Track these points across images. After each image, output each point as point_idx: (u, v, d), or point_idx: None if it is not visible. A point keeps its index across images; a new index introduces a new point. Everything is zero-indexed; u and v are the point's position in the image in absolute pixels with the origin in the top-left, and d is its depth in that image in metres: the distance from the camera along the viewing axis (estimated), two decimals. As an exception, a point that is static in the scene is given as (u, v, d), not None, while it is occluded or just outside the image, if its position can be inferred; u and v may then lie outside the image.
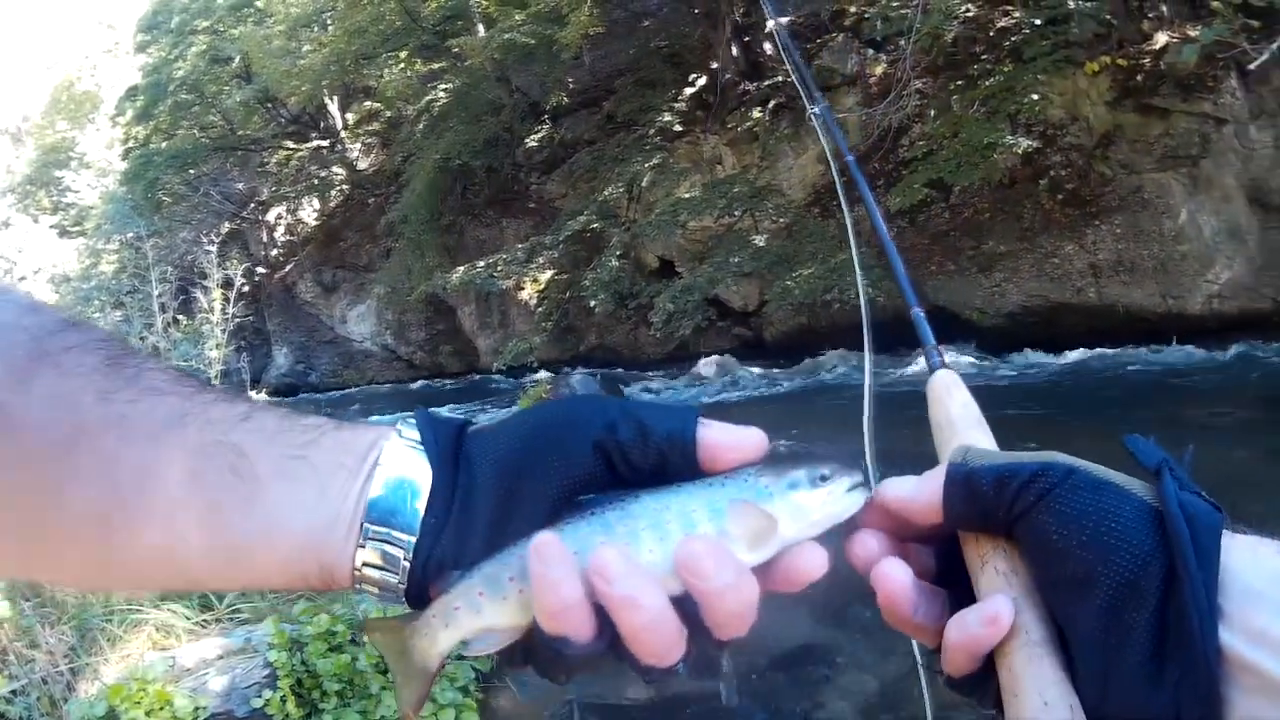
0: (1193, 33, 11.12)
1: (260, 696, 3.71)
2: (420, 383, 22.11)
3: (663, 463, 0.59)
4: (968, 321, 13.33)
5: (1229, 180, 11.68)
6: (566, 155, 19.40)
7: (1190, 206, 11.86)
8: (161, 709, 3.51)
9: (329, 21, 23.12)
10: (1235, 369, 10.45)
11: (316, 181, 25.59)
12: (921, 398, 0.76)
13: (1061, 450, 0.55)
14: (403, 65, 21.64)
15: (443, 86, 19.88)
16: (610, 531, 0.56)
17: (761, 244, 15.11)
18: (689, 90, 17.55)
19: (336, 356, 24.97)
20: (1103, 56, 12.30)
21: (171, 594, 4.24)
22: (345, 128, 25.63)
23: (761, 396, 13.27)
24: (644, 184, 16.94)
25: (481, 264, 18.17)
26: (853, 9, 15.52)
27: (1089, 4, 11.96)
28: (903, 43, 13.20)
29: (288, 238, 27.17)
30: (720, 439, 0.60)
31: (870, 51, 15.56)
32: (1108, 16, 12.15)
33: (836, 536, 0.60)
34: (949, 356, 0.86)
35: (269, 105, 25.46)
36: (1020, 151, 12.37)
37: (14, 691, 3.68)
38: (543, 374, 16.99)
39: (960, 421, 0.70)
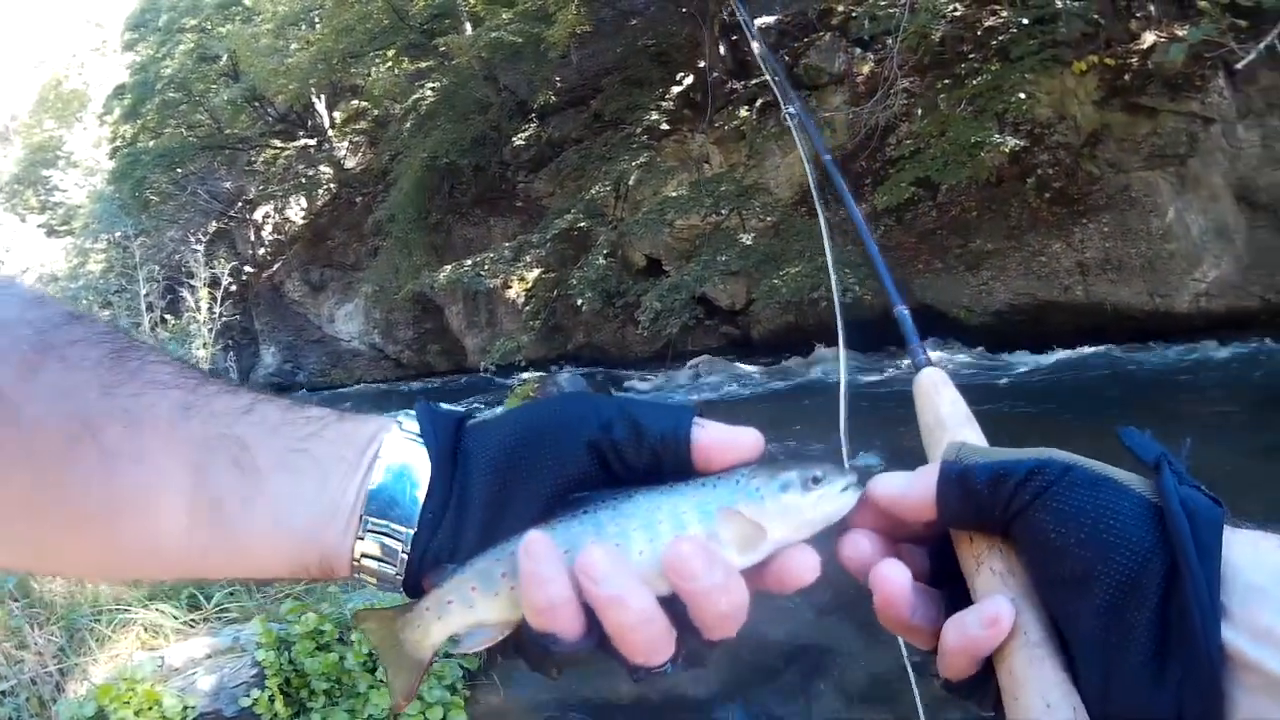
0: (1180, 32, 11.18)
1: (248, 696, 3.73)
2: (412, 383, 22.05)
3: (657, 462, 0.59)
4: (955, 320, 13.34)
5: (1216, 179, 11.73)
6: (554, 154, 19.36)
7: (1178, 205, 11.92)
8: (150, 709, 3.51)
9: (316, 20, 23.04)
10: (1223, 367, 10.49)
11: (304, 180, 25.48)
12: (908, 395, 0.75)
13: (1050, 448, 0.55)
14: (390, 64, 21.56)
15: (430, 85, 19.82)
16: (601, 531, 0.56)
17: (749, 242, 15.10)
18: (676, 89, 17.55)
19: (324, 355, 24.88)
20: (1090, 56, 12.35)
21: (168, 585, 4.24)
22: (332, 126, 25.54)
23: (749, 395, 13.29)
24: (631, 182, 16.92)
25: (469, 263, 18.09)
26: (840, 8, 15.57)
27: (1076, 3, 12.02)
28: (890, 41, 13.21)
29: (275, 236, 27.06)
30: (715, 439, 0.60)
31: (857, 50, 15.57)
32: (1095, 16, 12.20)
33: (828, 538, 0.60)
34: (935, 354, 0.86)
35: (256, 104, 25.36)
36: (1008, 150, 12.39)
37: (3, 692, 3.68)
38: (530, 373, 16.97)
39: (950, 419, 0.70)
